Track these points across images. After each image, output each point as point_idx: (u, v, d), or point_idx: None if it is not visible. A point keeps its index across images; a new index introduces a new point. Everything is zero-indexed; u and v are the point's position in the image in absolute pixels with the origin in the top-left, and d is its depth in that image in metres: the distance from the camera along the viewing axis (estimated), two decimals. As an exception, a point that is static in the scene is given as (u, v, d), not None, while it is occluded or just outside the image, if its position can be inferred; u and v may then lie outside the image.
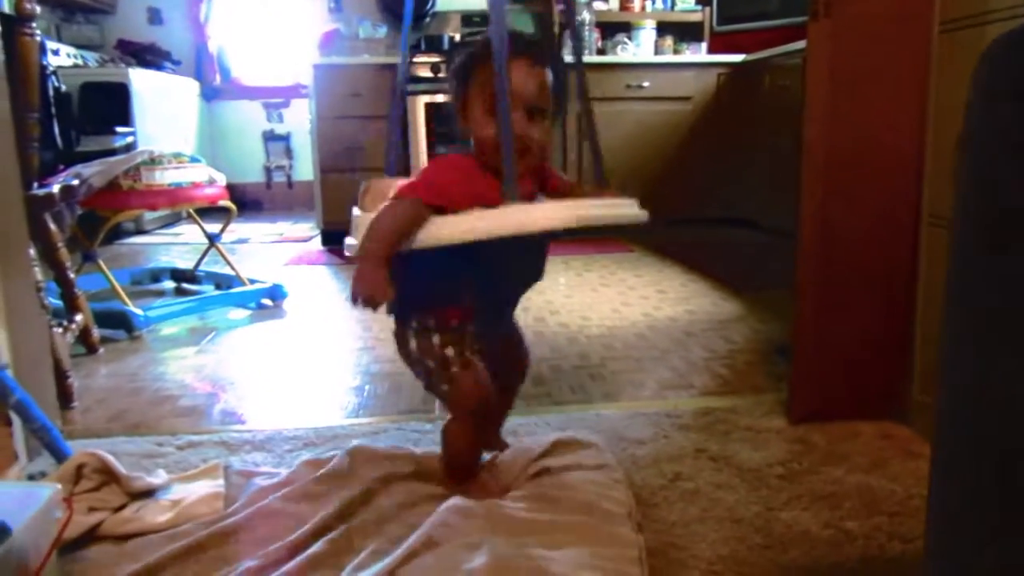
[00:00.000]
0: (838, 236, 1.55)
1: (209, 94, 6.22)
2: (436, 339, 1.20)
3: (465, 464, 1.31)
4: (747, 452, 1.47)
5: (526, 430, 1.58)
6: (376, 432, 1.61)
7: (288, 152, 6.50)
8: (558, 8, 4.76)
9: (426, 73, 4.13)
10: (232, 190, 2.96)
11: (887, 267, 1.58)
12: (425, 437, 1.56)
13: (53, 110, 1.84)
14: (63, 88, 1.96)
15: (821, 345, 1.59)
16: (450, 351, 1.20)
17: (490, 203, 1.04)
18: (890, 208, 1.56)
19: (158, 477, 1.32)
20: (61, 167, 2.07)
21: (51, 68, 1.84)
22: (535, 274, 1.30)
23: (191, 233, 4.50)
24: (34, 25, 1.70)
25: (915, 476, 1.36)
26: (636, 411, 1.70)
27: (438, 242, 1.04)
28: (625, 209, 1.18)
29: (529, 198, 1.15)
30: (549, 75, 1.13)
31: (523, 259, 1.25)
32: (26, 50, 1.69)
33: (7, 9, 1.80)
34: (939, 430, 0.61)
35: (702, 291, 2.92)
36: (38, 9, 1.69)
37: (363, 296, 1.05)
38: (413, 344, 1.23)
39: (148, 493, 1.28)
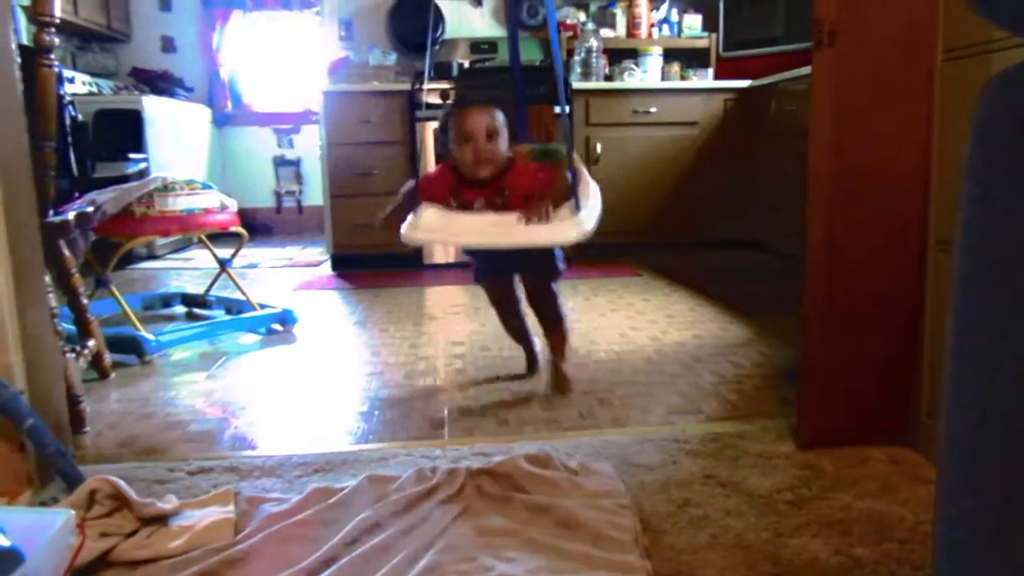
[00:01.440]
0: (844, 262, 1.56)
1: (220, 120, 6.30)
2: (473, 266, 2.09)
3: (507, 331, 2.22)
4: (756, 478, 1.47)
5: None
6: (385, 458, 1.62)
7: (298, 177, 6.56)
8: (565, 35, 4.82)
9: (435, 100, 4.17)
10: (242, 215, 3.00)
11: (894, 292, 1.58)
12: (434, 463, 1.57)
13: (69, 139, 1.87)
14: (79, 117, 1.99)
15: (829, 370, 1.60)
16: (476, 274, 2.10)
17: (441, 198, 1.79)
18: (896, 233, 1.57)
19: (169, 503, 1.33)
20: (76, 194, 2.10)
21: (68, 98, 1.87)
22: (516, 260, 1.95)
23: (202, 258, 4.53)
24: (52, 56, 1.73)
25: (925, 502, 1.36)
26: (644, 437, 1.70)
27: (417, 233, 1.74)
28: (550, 233, 1.67)
29: (488, 198, 1.78)
30: (499, 113, 1.77)
31: (491, 250, 1.92)
32: (44, 81, 1.73)
33: (26, 40, 1.84)
34: (943, 461, 0.62)
35: (710, 315, 2.92)
36: (56, 41, 1.73)
37: (386, 227, 1.81)
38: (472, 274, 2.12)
39: (160, 519, 1.29)
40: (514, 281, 2.05)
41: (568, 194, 1.69)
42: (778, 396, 1.97)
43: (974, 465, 0.60)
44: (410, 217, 1.71)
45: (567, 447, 1.64)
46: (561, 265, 1.97)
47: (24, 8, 1.77)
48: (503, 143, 1.76)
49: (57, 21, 1.70)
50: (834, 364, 1.59)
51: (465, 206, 1.78)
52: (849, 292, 1.57)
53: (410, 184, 1.83)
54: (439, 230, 1.72)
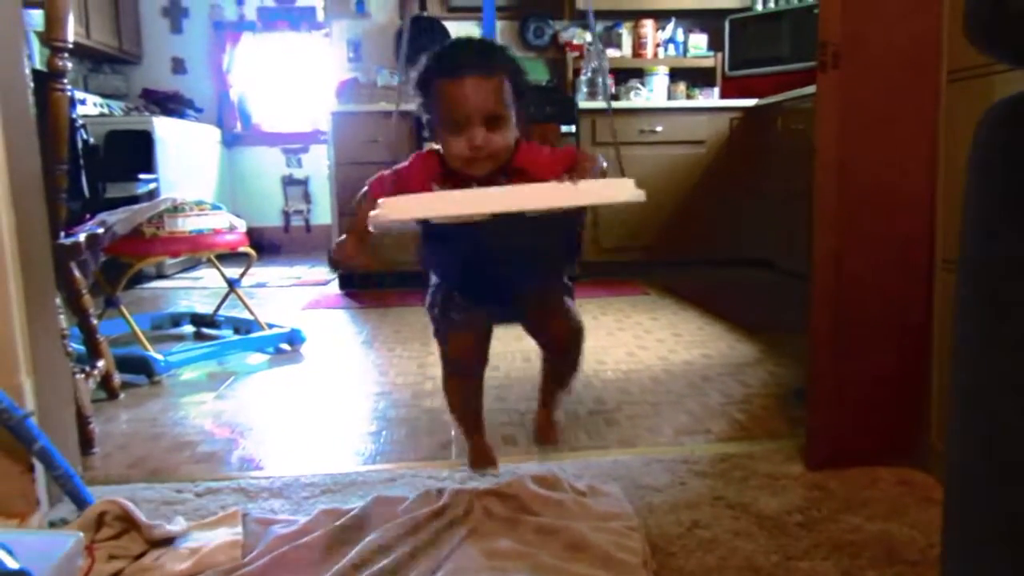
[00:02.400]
0: (852, 281, 1.56)
1: (230, 140, 6.35)
2: (437, 297, 1.37)
3: (457, 416, 1.49)
4: (765, 499, 1.46)
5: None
6: (393, 479, 1.62)
7: (306, 196, 6.60)
8: (571, 55, 4.86)
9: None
10: (251, 234, 3.02)
11: (902, 312, 1.58)
12: (442, 484, 1.56)
13: (81, 161, 1.89)
14: (91, 140, 2.01)
15: (837, 390, 1.59)
16: (436, 311, 1.36)
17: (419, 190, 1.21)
18: (903, 253, 1.57)
19: (177, 525, 1.33)
20: (88, 216, 2.12)
21: (79, 121, 1.90)
22: (526, 255, 1.29)
23: (211, 277, 4.56)
24: (65, 81, 1.76)
25: (935, 524, 1.35)
26: (653, 457, 1.69)
27: (376, 222, 1.12)
28: (602, 188, 1.18)
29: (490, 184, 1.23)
30: (505, 82, 1.19)
31: (489, 242, 1.23)
32: (57, 105, 1.75)
33: (39, 64, 1.87)
34: (949, 486, 0.62)
35: (718, 334, 2.92)
36: (69, 65, 1.75)
37: (338, 259, 1.22)
38: (428, 299, 1.40)
39: (168, 541, 1.29)
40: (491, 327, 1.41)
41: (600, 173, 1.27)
42: (787, 416, 1.96)
43: (979, 491, 0.60)
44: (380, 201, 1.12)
45: (575, 468, 1.63)
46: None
47: (38, 33, 1.79)
48: (511, 128, 1.22)
49: (70, 46, 1.72)
50: (842, 384, 1.58)
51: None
52: (856, 312, 1.56)
53: (362, 192, 1.28)
54: (431, 204, 1.14)
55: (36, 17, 1.69)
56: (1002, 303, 0.51)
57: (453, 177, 1.24)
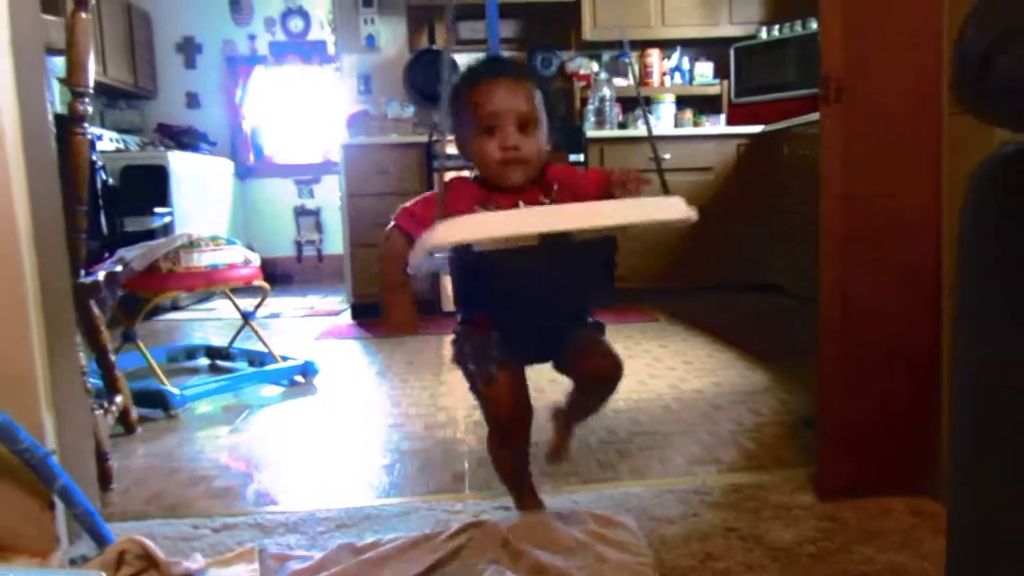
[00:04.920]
0: (859, 311, 1.57)
1: (243, 172, 6.44)
2: (468, 347, 1.28)
3: (504, 475, 1.41)
4: (778, 530, 1.47)
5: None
6: (407, 512, 1.63)
7: (318, 226, 6.67)
8: (578, 85, 4.92)
9: (452, 150, 4.24)
10: (264, 264, 3.05)
11: (910, 341, 1.59)
12: (455, 517, 1.58)
13: (100, 201, 1.94)
14: (110, 181, 2.06)
15: (847, 420, 1.60)
16: (471, 364, 1.26)
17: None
18: (910, 282, 1.58)
19: (195, 562, 1.35)
20: (107, 253, 2.17)
21: (99, 163, 1.94)
22: (571, 296, 1.27)
23: (225, 308, 4.59)
24: (86, 124, 1.80)
25: (949, 555, 1.35)
26: (665, 488, 1.70)
27: (432, 245, 1.05)
28: (657, 208, 1.11)
29: (532, 199, 1.22)
30: (535, 89, 1.20)
31: (537, 270, 1.19)
32: (77, 148, 1.80)
33: (59, 106, 1.92)
34: (951, 512, 0.63)
35: (728, 361, 2.92)
36: (90, 110, 1.80)
37: (393, 328, 1.18)
38: (454, 349, 1.31)
39: (186, 577, 1.31)
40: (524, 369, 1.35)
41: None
42: (798, 444, 1.97)
43: (982, 515, 0.61)
44: (432, 229, 1.05)
45: (587, 500, 1.64)
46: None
47: (60, 79, 1.85)
48: (543, 134, 1.22)
49: (91, 91, 1.77)
50: (852, 414, 1.59)
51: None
52: (865, 341, 1.57)
53: (391, 226, 1.25)
54: (488, 224, 1.04)
55: (58, 64, 1.74)
56: (997, 343, 0.53)
57: (494, 197, 1.22)
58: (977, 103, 0.49)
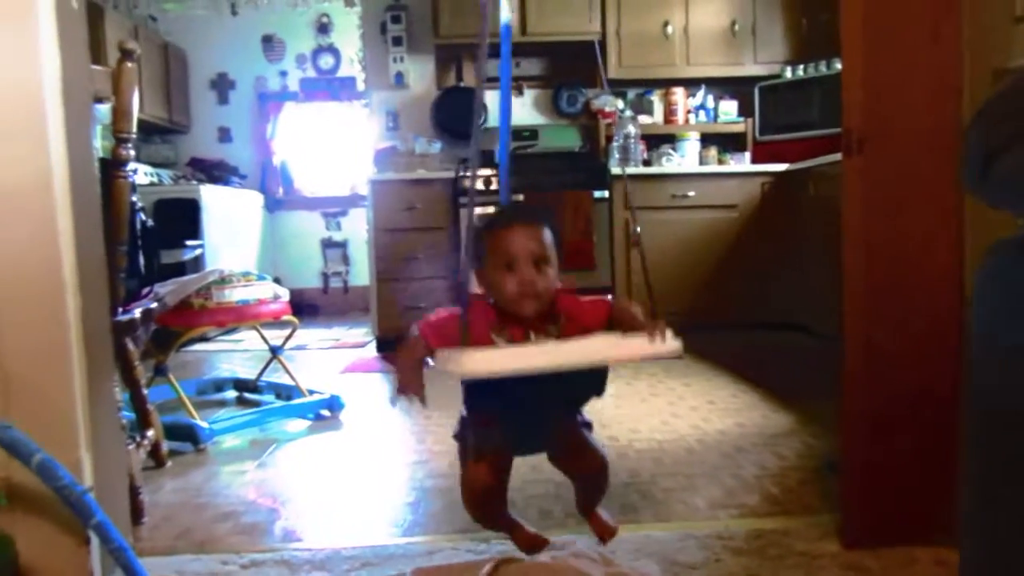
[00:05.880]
0: (882, 359, 1.58)
1: (272, 205, 6.56)
2: (469, 432, 1.43)
3: (486, 527, 1.53)
4: (800, 579, 1.47)
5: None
6: (432, 552, 1.65)
7: (345, 258, 6.76)
8: (603, 122, 4.98)
9: (479, 186, 4.31)
10: (291, 294, 3.11)
11: (933, 388, 1.59)
12: (480, 558, 1.59)
13: (139, 241, 2.01)
14: (149, 223, 2.14)
15: (870, 468, 1.60)
16: (470, 447, 1.43)
17: (483, 340, 1.30)
18: (932, 329, 1.59)
19: (225, 599, 1.38)
20: (144, 290, 2.24)
21: (139, 204, 2.01)
22: (564, 392, 1.40)
23: (252, 340, 4.67)
24: (127, 168, 1.88)
25: (974, 608, 1.34)
26: (687, 532, 1.70)
27: (460, 373, 1.21)
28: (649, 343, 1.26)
29: (540, 329, 1.36)
30: (548, 233, 1.37)
31: (536, 384, 1.29)
32: (119, 190, 1.87)
33: (102, 153, 1.99)
34: (963, 567, 0.64)
35: (752, 402, 2.92)
36: (133, 153, 1.87)
37: (403, 393, 1.30)
38: (457, 429, 1.49)
39: (215, 615, 1.34)
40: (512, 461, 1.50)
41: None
42: (822, 489, 1.96)
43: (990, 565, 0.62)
44: (454, 352, 1.24)
45: (610, 543, 1.65)
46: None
47: (102, 124, 1.92)
48: (553, 273, 1.36)
49: (134, 137, 1.84)
50: (876, 463, 1.59)
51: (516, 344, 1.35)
52: (888, 390, 1.58)
53: (413, 332, 1.36)
54: (506, 360, 1.24)
55: (102, 110, 1.82)
56: (1006, 423, 0.55)
57: (507, 325, 1.36)
58: (980, 196, 0.52)
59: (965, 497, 0.63)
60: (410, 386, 1.30)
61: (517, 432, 1.42)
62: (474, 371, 1.20)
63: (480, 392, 1.39)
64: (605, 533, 1.57)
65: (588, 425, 1.49)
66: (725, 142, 4.99)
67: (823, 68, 4.54)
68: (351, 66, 6.55)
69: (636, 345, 1.25)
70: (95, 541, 1.49)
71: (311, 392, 2.98)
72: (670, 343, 1.25)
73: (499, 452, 1.42)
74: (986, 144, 0.49)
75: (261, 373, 3.28)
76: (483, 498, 1.45)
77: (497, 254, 1.35)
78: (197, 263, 4.80)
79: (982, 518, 0.59)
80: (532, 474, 2.13)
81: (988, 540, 0.58)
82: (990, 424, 0.59)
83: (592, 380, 1.41)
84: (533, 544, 1.54)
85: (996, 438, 0.57)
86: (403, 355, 1.34)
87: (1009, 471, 0.57)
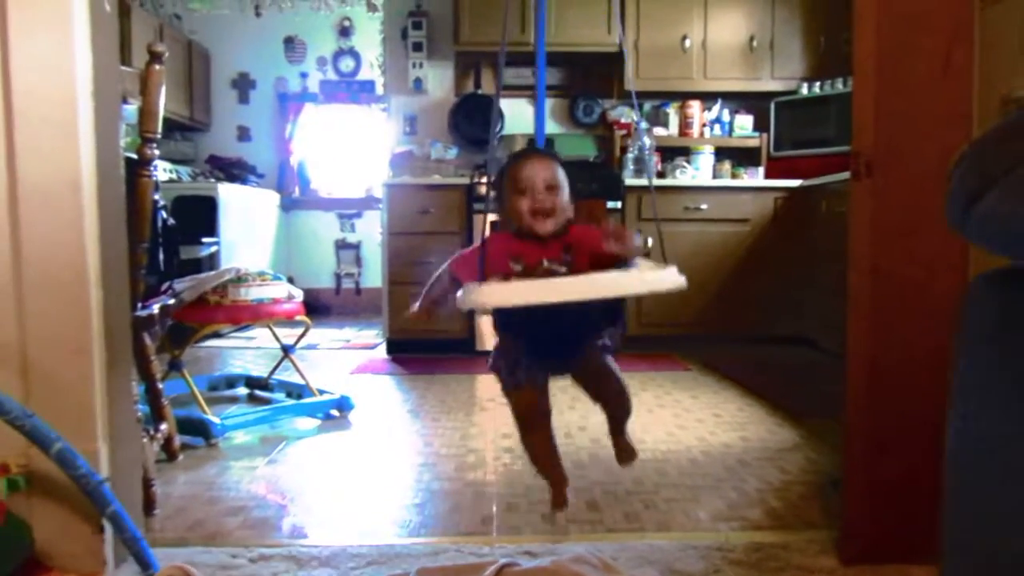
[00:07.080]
0: (886, 380, 1.60)
1: (288, 204, 6.62)
2: (501, 361, 1.57)
3: (539, 468, 1.65)
4: (797, 593, 1.49)
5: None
6: (436, 552, 1.68)
7: (358, 260, 6.82)
8: (619, 133, 5.01)
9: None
10: (303, 294, 3.15)
11: (937, 411, 1.61)
12: (483, 560, 1.62)
13: (160, 239, 2.06)
14: (170, 221, 2.18)
15: (872, 485, 1.62)
16: (503, 373, 1.57)
17: (500, 266, 1.48)
18: (937, 353, 1.60)
19: (234, 591, 1.42)
20: (164, 286, 2.29)
21: (161, 202, 2.06)
22: (579, 317, 1.54)
23: (264, 337, 4.72)
24: (151, 167, 1.92)
25: (968, 627, 1.36)
26: (688, 543, 1.73)
27: (482, 304, 1.37)
28: (651, 278, 1.40)
29: (554, 255, 1.52)
30: (558, 166, 1.55)
31: (555, 311, 1.42)
32: (142, 189, 1.91)
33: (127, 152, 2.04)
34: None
35: (758, 416, 2.94)
36: (157, 152, 1.92)
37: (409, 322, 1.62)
38: (491, 360, 1.60)
39: (224, 606, 1.38)
40: (549, 381, 1.65)
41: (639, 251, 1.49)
42: (823, 506, 1.98)
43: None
44: (471, 287, 1.36)
45: (612, 550, 1.68)
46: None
47: (129, 125, 1.97)
48: (564, 197, 1.54)
49: (159, 136, 1.89)
50: (877, 479, 1.61)
51: (529, 271, 1.51)
52: (891, 410, 1.60)
53: (443, 270, 1.58)
54: (517, 292, 1.36)
55: (129, 111, 1.86)
56: (990, 439, 0.58)
57: (524, 248, 1.52)
58: (963, 234, 0.54)
59: (945, 516, 0.66)
60: (423, 308, 1.58)
61: (542, 351, 1.57)
62: (486, 303, 1.36)
63: (508, 315, 1.57)
64: (623, 456, 1.71)
65: (608, 349, 1.62)
66: (740, 156, 5.01)
67: (839, 86, 4.56)
68: (371, 70, 6.62)
69: (645, 279, 1.40)
70: (109, 530, 1.54)
71: (321, 392, 3.02)
72: (675, 277, 1.37)
73: (531, 371, 1.57)
74: (969, 184, 0.52)
75: (273, 371, 3.33)
76: (529, 416, 1.60)
77: (514, 183, 1.53)
78: (213, 260, 4.87)
79: (961, 537, 0.61)
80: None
81: (967, 560, 0.61)
82: (967, 448, 0.62)
83: (605, 310, 1.57)
84: (558, 501, 1.65)
85: (972, 461, 0.60)
86: (428, 292, 1.59)
87: (981, 492, 0.60)
